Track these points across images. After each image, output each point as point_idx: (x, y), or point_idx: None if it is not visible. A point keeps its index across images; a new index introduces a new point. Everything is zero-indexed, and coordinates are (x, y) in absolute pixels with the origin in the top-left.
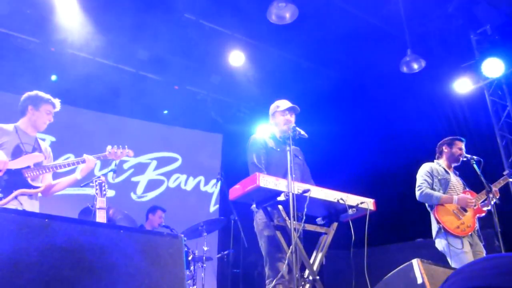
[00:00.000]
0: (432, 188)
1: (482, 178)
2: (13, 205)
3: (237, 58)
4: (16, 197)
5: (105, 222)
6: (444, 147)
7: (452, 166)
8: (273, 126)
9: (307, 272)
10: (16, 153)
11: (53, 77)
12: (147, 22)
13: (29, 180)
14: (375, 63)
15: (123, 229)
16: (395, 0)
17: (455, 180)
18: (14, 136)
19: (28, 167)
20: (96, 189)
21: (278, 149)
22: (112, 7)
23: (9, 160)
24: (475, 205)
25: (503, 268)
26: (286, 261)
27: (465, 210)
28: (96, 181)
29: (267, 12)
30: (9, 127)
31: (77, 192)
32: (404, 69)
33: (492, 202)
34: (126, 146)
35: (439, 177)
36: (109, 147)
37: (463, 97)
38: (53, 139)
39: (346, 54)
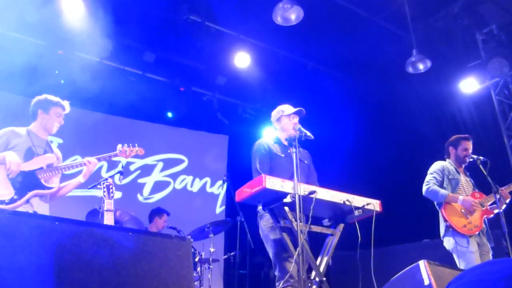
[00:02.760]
0: (441, 186)
1: (489, 179)
2: (24, 208)
3: (242, 59)
4: (28, 200)
5: (113, 224)
6: (450, 148)
7: (462, 166)
8: (279, 131)
9: (313, 273)
10: (28, 155)
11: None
12: (153, 24)
13: (42, 181)
14: (381, 63)
15: (132, 231)
16: (401, 0)
17: (465, 181)
18: (26, 138)
19: (41, 168)
20: (104, 191)
21: (283, 155)
22: (118, 10)
23: (21, 162)
24: (483, 206)
25: (504, 273)
26: (294, 262)
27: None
28: (103, 183)
29: (273, 14)
30: (22, 130)
31: (84, 194)
32: (410, 70)
33: (503, 207)
34: (136, 145)
35: (450, 177)
36: (119, 146)
37: (469, 97)
38: (61, 141)
39: (351, 55)
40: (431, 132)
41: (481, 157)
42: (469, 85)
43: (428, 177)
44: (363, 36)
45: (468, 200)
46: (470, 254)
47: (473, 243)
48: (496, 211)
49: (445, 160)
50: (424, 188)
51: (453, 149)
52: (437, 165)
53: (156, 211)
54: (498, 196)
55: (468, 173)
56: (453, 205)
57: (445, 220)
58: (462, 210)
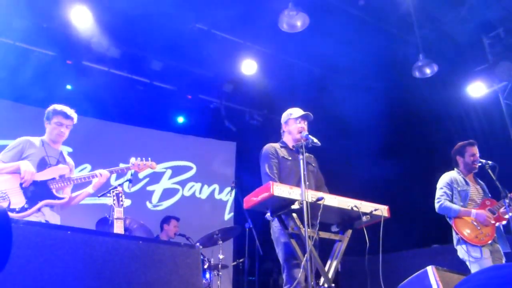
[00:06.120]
0: (452, 200)
1: (498, 183)
2: (36, 217)
3: (249, 66)
4: (39, 209)
5: (123, 232)
6: (457, 158)
7: (472, 173)
8: (286, 134)
9: (322, 279)
10: (41, 165)
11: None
12: (160, 33)
13: (54, 191)
14: (387, 68)
15: (142, 240)
16: (407, 4)
17: (475, 190)
18: (41, 149)
19: (54, 178)
20: (114, 200)
21: (290, 158)
22: (125, 19)
23: (35, 172)
24: (495, 213)
25: (507, 278)
26: (302, 268)
27: None
28: (113, 191)
29: (278, 21)
30: (36, 140)
31: (94, 202)
32: (417, 74)
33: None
34: (149, 159)
35: (458, 189)
36: (132, 159)
37: (477, 101)
38: (70, 149)
39: (358, 60)
40: (438, 136)
41: (489, 162)
42: (477, 89)
43: (438, 193)
44: (370, 42)
45: (481, 214)
46: (483, 261)
47: (486, 252)
48: (507, 216)
49: (453, 169)
50: (437, 205)
51: (460, 157)
52: (445, 178)
53: (163, 219)
54: (507, 201)
55: (478, 180)
56: (464, 218)
57: (457, 233)
58: (474, 222)
